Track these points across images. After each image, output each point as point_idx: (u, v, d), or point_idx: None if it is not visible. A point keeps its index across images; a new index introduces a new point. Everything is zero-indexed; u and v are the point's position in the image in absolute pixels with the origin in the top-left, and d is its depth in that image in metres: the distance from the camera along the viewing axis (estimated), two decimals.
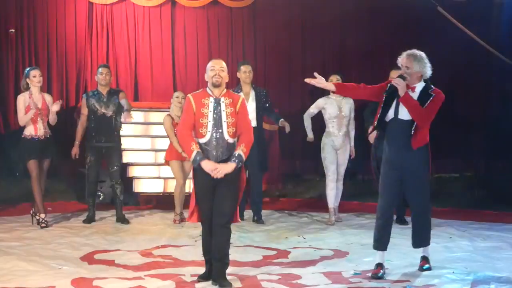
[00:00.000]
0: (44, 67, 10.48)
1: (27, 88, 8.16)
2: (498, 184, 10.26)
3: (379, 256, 6.22)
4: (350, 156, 8.65)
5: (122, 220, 8.48)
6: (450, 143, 10.89)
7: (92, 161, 8.49)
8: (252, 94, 8.53)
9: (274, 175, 10.75)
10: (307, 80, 6.17)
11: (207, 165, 5.60)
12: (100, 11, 10.99)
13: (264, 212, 8.84)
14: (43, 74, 8.58)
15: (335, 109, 8.47)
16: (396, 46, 10.97)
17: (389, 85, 6.13)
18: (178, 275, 6.13)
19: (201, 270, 6.06)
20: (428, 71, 6.11)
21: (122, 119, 8.50)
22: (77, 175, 9.90)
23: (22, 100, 8.13)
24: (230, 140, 5.74)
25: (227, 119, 5.71)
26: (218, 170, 5.58)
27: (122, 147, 8.91)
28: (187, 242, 7.42)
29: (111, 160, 8.52)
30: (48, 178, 8.48)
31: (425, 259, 6.33)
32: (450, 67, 10.30)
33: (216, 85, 5.74)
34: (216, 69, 5.74)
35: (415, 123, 6.00)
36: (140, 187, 9.96)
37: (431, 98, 6.03)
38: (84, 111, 8.56)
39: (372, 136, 8.21)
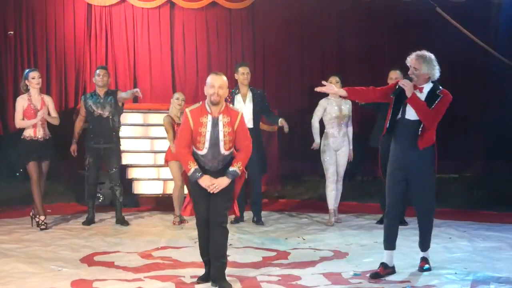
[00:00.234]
0: (43, 68, 10.49)
1: (27, 89, 8.17)
2: (498, 185, 10.27)
3: (386, 255, 6.22)
4: (348, 159, 8.65)
5: (121, 222, 8.48)
6: (449, 143, 10.89)
7: (91, 163, 8.49)
8: (249, 95, 8.55)
9: (273, 176, 10.75)
10: (318, 89, 6.23)
11: (204, 182, 5.71)
12: (99, 13, 10.99)
13: (263, 213, 8.83)
14: (42, 75, 8.59)
15: (336, 110, 8.47)
16: (395, 46, 11.11)
17: (397, 86, 6.14)
18: (178, 276, 6.14)
19: (201, 271, 6.07)
20: (437, 73, 6.10)
21: (130, 95, 8.44)
22: (77, 177, 9.90)
23: (20, 102, 8.13)
24: (226, 153, 5.79)
25: (224, 138, 5.73)
26: (214, 185, 5.69)
27: (122, 148, 8.90)
28: (186, 244, 7.42)
29: (110, 162, 8.51)
30: (47, 180, 8.48)
31: (424, 260, 6.34)
32: (448, 67, 10.27)
33: (214, 104, 5.72)
34: (215, 87, 5.67)
35: (422, 123, 6.02)
36: (139, 188, 9.95)
37: (438, 99, 6.04)
38: (82, 112, 8.60)
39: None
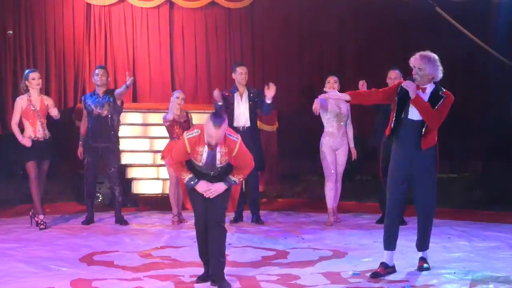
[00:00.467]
0: (42, 68, 10.47)
1: (27, 90, 8.17)
2: (496, 184, 10.26)
3: (385, 255, 6.23)
4: (351, 157, 8.64)
5: (121, 221, 8.48)
6: (448, 143, 10.87)
7: (90, 162, 8.49)
8: (246, 94, 8.57)
9: (272, 175, 10.74)
10: (322, 96, 6.25)
11: (201, 187, 5.77)
12: (98, 13, 10.98)
13: (262, 213, 8.84)
14: (41, 75, 8.59)
15: (335, 108, 8.46)
16: (394, 46, 11.09)
17: (400, 87, 6.13)
18: (177, 276, 6.14)
19: (200, 271, 6.07)
20: (440, 74, 6.11)
21: (124, 88, 8.41)
22: (76, 176, 9.89)
23: (19, 103, 8.14)
24: (223, 164, 5.82)
25: (221, 160, 5.75)
26: (211, 191, 5.74)
27: (121, 148, 8.90)
28: (186, 243, 7.42)
29: (109, 162, 8.51)
30: (47, 179, 8.48)
31: (423, 259, 6.35)
32: (448, 67, 10.24)
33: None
34: (214, 138, 5.56)
35: (426, 123, 6.02)
36: (138, 188, 9.94)
37: (442, 100, 6.05)
38: (84, 113, 8.61)
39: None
